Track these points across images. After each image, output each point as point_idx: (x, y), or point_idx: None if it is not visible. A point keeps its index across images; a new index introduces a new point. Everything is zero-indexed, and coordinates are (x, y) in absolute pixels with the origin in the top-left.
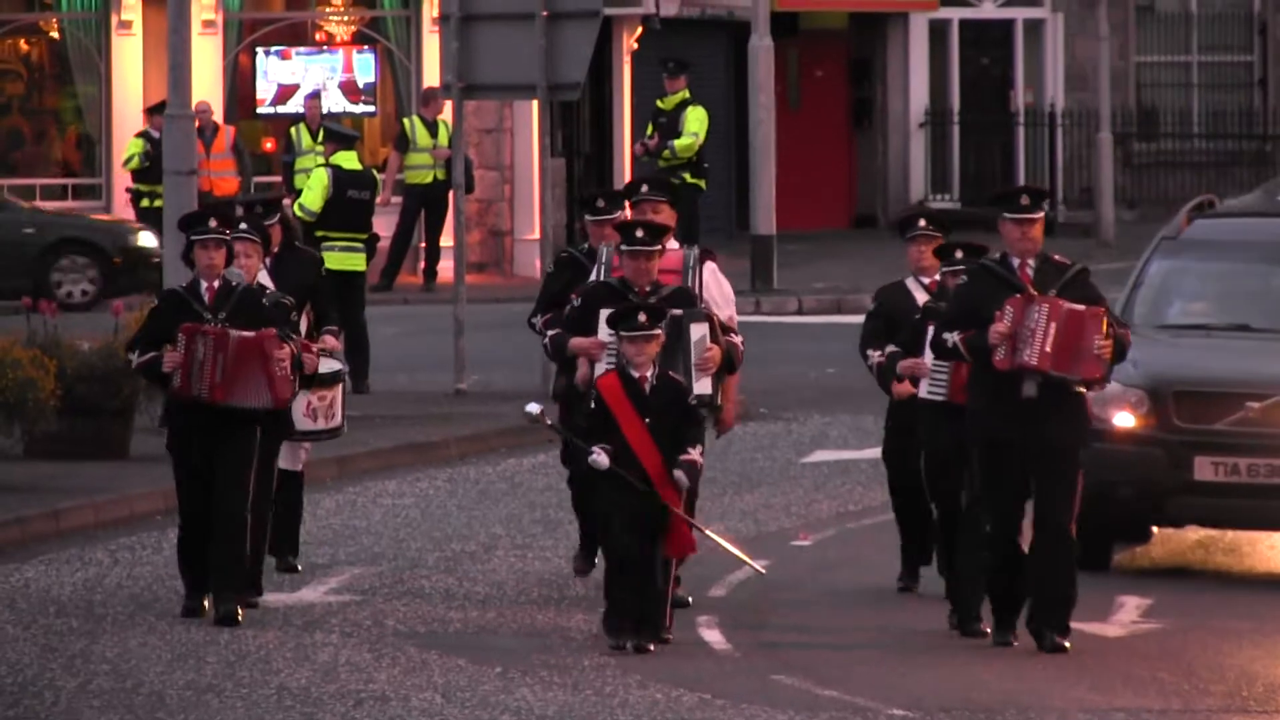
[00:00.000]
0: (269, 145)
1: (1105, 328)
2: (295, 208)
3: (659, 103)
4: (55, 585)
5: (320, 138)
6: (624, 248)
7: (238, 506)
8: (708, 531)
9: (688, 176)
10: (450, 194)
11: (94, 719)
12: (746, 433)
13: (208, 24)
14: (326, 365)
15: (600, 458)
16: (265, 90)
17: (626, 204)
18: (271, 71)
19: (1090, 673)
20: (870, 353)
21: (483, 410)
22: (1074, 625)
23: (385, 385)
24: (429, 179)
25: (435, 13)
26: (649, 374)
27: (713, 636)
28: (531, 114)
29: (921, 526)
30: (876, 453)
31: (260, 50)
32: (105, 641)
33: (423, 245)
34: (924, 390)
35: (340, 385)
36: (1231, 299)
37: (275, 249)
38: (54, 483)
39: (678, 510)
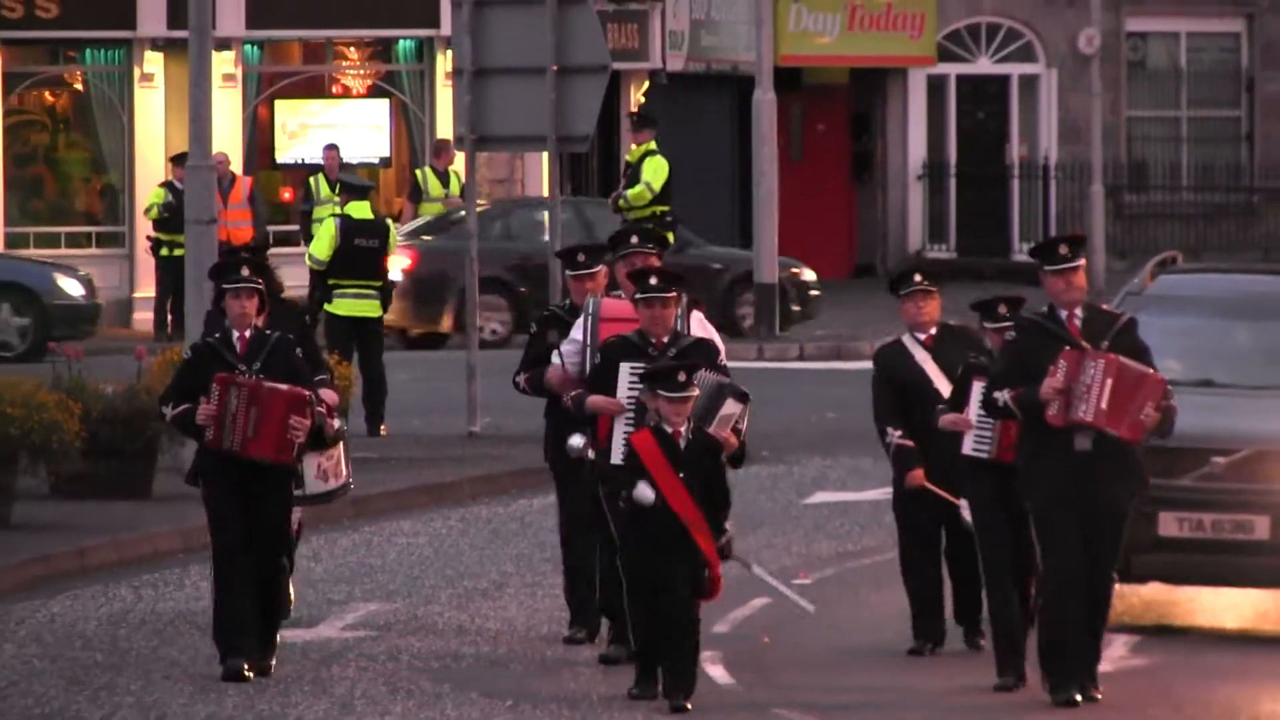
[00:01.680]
0: (287, 195)
1: (1160, 397)
2: (306, 256)
3: (627, 156)
4: (80, 620)
5: (337, 189)
6: (639, 296)
7: (278, 555)
8: (756, 570)
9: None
10: None
11: None
12: (749, 474)
13: (228, 77)
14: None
15: (647, 491)
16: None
17: (606, 259)
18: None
19: (1084, 709)
20: (890, 432)
21: (494, 452)
22: None
23: (401, 428)
24: None
25: (449, 67)
26: (683, 429)
27: (716, 672)
28: (542, 165)
29: (934, 591)
30: (875, 494)
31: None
32: (129, 675)
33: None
34: (968, 446)
35: (343, 442)
36: (1195, 354)
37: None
38: (79, 521)
39: (714, 557)
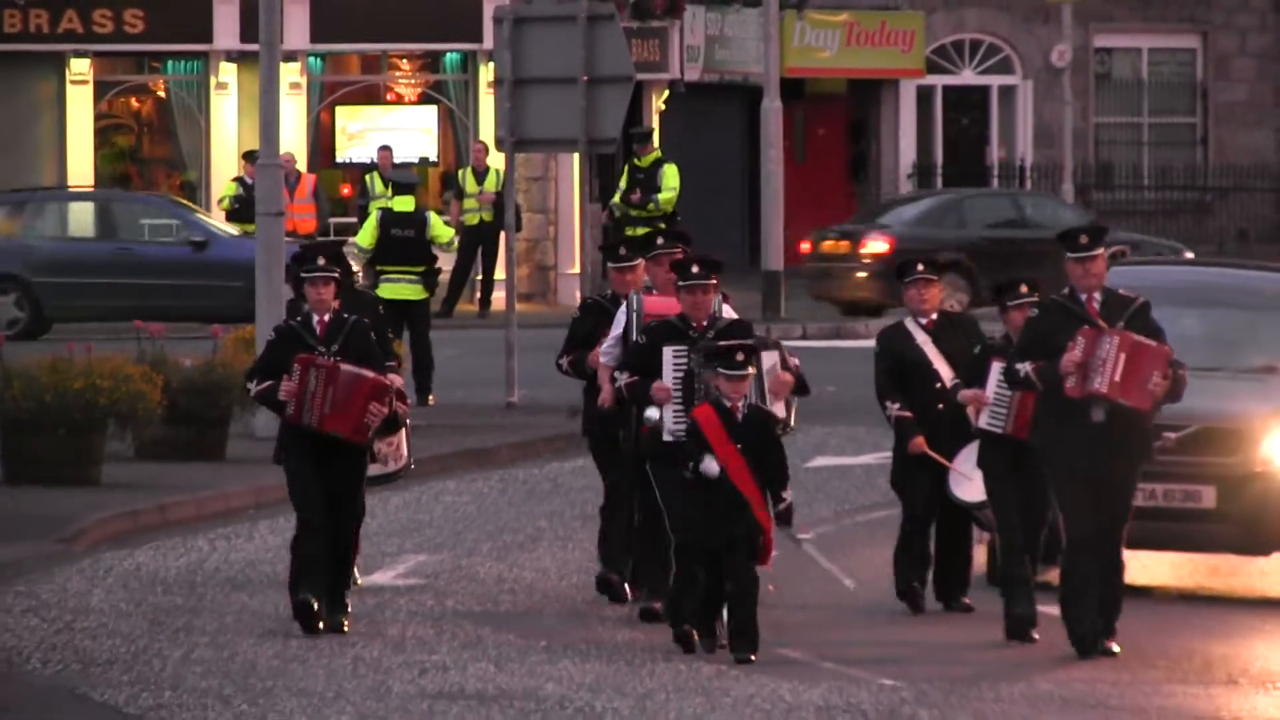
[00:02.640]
0: (346, 191)
1: (1166, 367)
2: (354, 246)
3: (636, 161)
4: (162, 569)
5: (378, 189)
6: (681, 283)
7: (351, 524)
8: (805, 546)
9: (663, 228)
10: (502, 233)
11: (195, 683)
12: None
13: (294, 86)
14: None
15: (713, 464)
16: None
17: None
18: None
19: (1055, 649)
20: (889, 405)
21: (530, 421)
22: (1040, 609)
23: (446, 399)
24: (476, 220)
25: (490, 77)
26: (740, 404)
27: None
28: (573, 165)
29: (925, 554)
30: (870, 459)
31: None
32: (205, 617)
33: (479, 278)
34: (984, 421)
35: (404, 429)
36: None
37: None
38: (160, 481)
39: (768, 527)
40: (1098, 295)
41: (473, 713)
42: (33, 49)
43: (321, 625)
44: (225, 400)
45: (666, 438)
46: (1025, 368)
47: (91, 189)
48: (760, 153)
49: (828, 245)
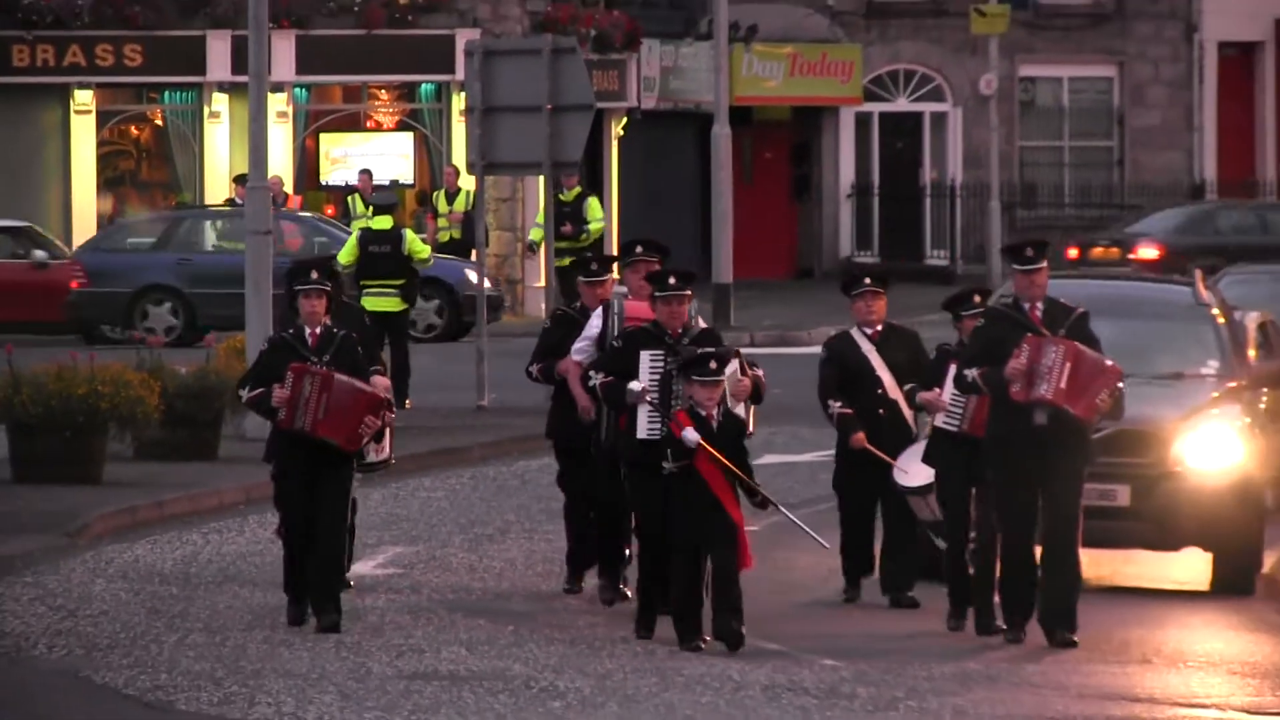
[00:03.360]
0: (330, 211)
1: (1116, 385)
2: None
3: (560, 196)
4: (159, 560)
5: (359, 209)
6: (658, 294)
7: (339, 528)
8: (782, 509)
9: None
10: (473, 250)
11: (190, 666)
12: None
13: (281, 114)
14: None
15: (693, 434)
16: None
17: (614, 266)
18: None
19: (1006, 645)
20: (831, 403)
21: (500, 422)
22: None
23: (422, 403)
24: (447, 238)
25: (462, 105)
26: (715, 411)
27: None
28: (539, 186)
29: (867, 545)
30: (812, 457)
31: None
32: (199, 604)
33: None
34: (940, 420)
35: (389, 428)
36: None
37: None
38: (158, 479)
39: (742, 524)
40: (1040, 304)
41: (446, 692)
42: (40, 81)
43: (316, 625)
44: (218, 404)
45: (641, 435)
46: (972, 373)
47: (239, 207)
48: (711, 175)
49: (1098, 252)
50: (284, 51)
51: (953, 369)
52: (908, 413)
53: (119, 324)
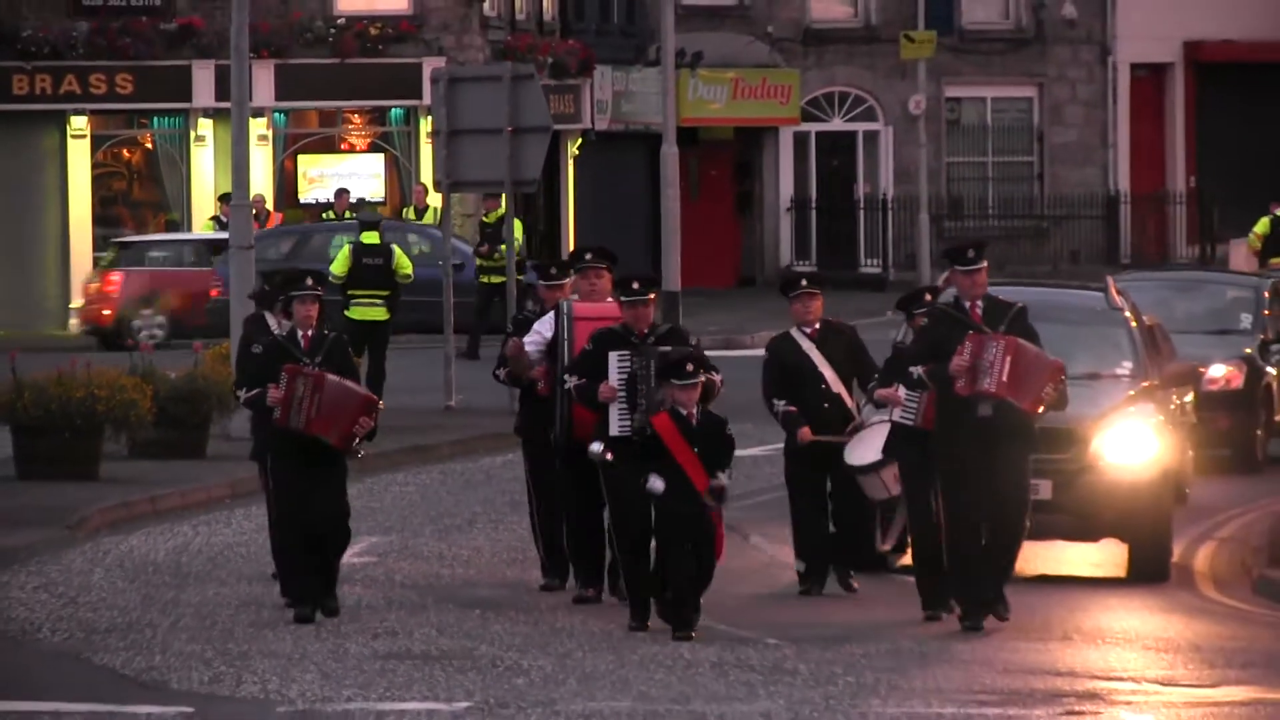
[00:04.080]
0: None
1: (1059, 379)
2: (329, 274)
3: (484, 218)
4: (152, 551)
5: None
6: (624, 298)
7: (341, 520)
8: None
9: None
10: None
11: (182, 648)
12: None
13: (261, 137)
14: None
15: (657, 482)
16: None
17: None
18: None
19: (914, 611)
20: (776, 402)
21: (466, 422)
22: (903, 579)
23: (393, 404)
24: (416, 251)
25: (429, 128)
26: (695, 411)
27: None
28: (501, 202)
29: (823, 539)
30: (755, 451)
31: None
32: (190, 591)
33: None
34: (896, 415)
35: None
36: None
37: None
38: (150, 476)
39: (720, 520)
40: (980, 303)
41: (418, 670)
42: (38, 108)
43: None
44: (206, 406)
45: (613, 432)
46: (918, 370)
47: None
48: (660, 191)
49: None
50: (264, 79)
51: (912, 370)
52: (850, 404)
53: None
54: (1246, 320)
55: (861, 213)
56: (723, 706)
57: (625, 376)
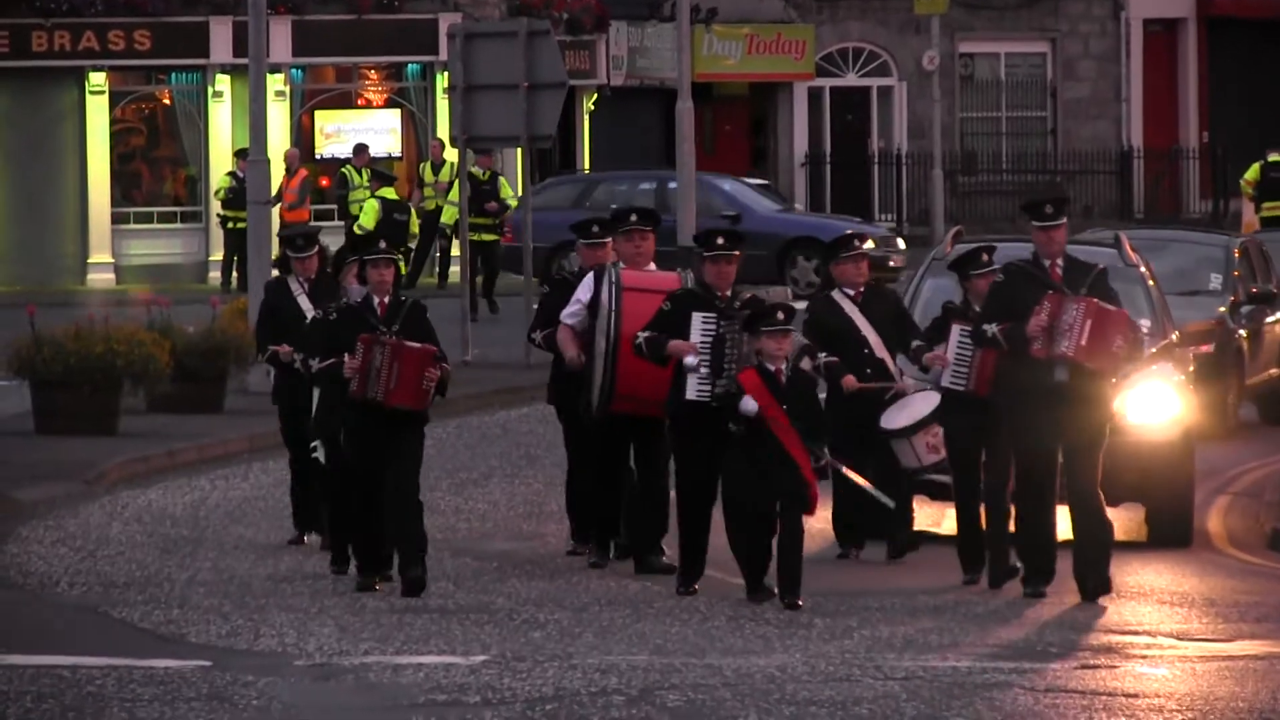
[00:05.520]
0: (324, 183)
1: (1129, 330)
2: (355, 227)
3: (474, 171)
4: (170, 505)
5: (366, 177)
6: (707, 254)
7: (414, 491)
8: (845, 471)
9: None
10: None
11: (200, 601)
12: None
13: (279, 93)
14: None
15: (751, 403)
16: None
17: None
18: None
19: (930, 570)
20: (819, 354)
21: (482, 375)
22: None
23: None
24: (433, 205)
25: (445, 84)
26: (783, 367)
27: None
28: (517, 157)
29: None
30: None
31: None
32: (207, 545)
33: (438, 254)
34: (946, 380)
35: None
36: None
37: (313, 275)
38: (168, 430)
39: (812, 477)
40: (1060, 261)
41: (435, 624)
42: (57, 64)
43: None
44: (223, 361)
45: (690, 397)
46: (992, 328)
47: (653, 170)
48: (675, 146)
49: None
50: (281, 35)
51: (956, 328)
52: (894, 369)
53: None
54: (1216, 281)
55: (875, 168)
56: (738, 660)
57: (709, 340)
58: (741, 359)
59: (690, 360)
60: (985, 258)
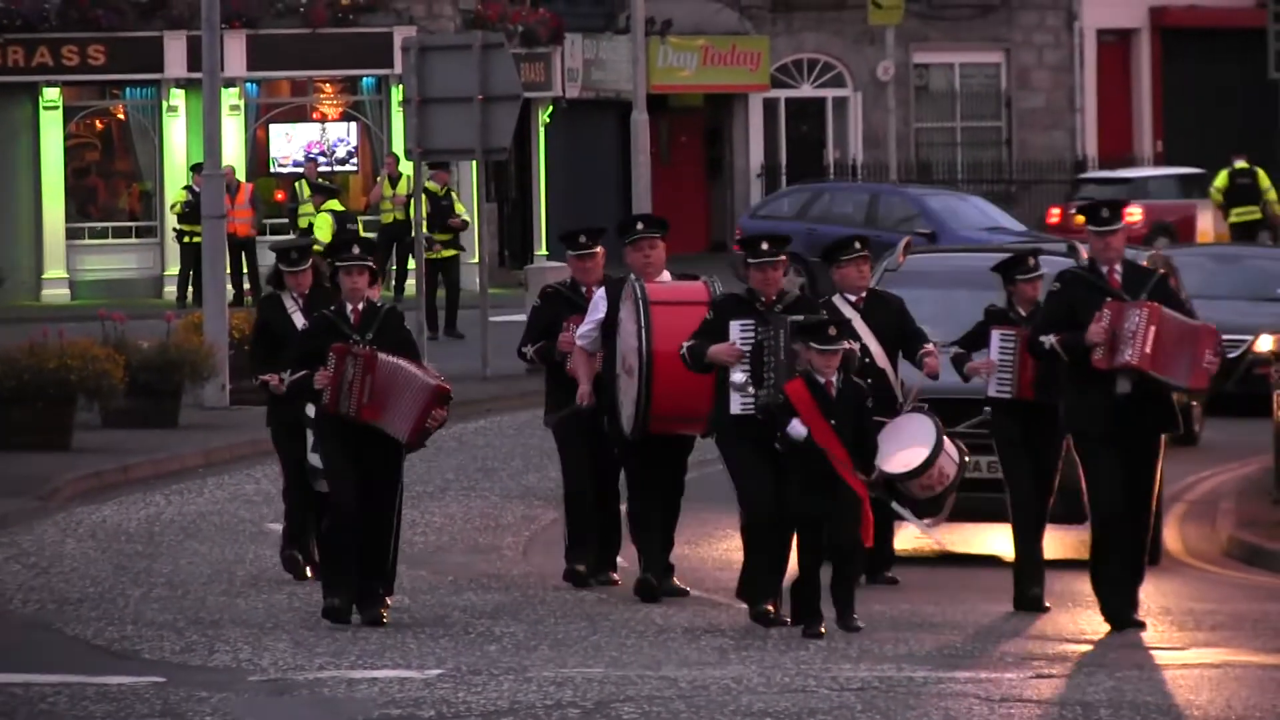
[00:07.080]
0: (280, 196)
1: (1215, 345)
2: (314, 246)
3: (431, 187)
4: (125, 520)
5: (305, 194)
6: (751, 260)
7: (389, 517)
8: (894, 505)
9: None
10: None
11: (154, 617)
12: None
13: (233, 107)
14: None
15: (799, 427)
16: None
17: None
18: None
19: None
20: None
21: None
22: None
23: None
24: (391, 219)
25: (400, 97)
26: (834, 379)
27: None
28: (472, 171)
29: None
30: None
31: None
32: (162, 561)
33: (393, 268)
34: (993, 389)
35: None
36: (943, 319)
37: (307, 290)
38: (123, 445)
39: (865, 495)
40: (1118, 267)
41: (390, 638)
42: (11, 80)
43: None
44: (178, 376)
45: (735, 410)
46: (1050, 340)
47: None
48: (631, 158)
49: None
50: (235, 50)
51: (996, 333)
52: (893, 380)
53: None
54: None
55: (831, 179)
56: (694, 671)
57: (749, 348)
58: (781, 367)
59: (738, 378)
60: (1032, 261)
